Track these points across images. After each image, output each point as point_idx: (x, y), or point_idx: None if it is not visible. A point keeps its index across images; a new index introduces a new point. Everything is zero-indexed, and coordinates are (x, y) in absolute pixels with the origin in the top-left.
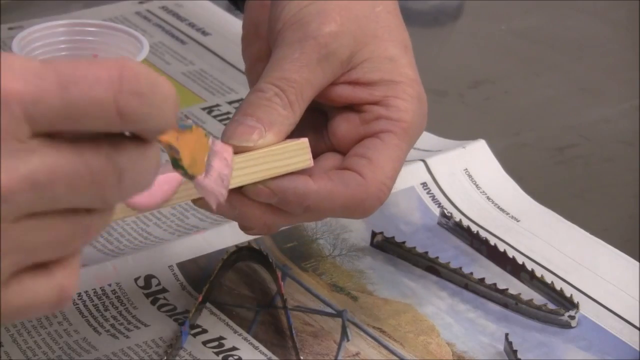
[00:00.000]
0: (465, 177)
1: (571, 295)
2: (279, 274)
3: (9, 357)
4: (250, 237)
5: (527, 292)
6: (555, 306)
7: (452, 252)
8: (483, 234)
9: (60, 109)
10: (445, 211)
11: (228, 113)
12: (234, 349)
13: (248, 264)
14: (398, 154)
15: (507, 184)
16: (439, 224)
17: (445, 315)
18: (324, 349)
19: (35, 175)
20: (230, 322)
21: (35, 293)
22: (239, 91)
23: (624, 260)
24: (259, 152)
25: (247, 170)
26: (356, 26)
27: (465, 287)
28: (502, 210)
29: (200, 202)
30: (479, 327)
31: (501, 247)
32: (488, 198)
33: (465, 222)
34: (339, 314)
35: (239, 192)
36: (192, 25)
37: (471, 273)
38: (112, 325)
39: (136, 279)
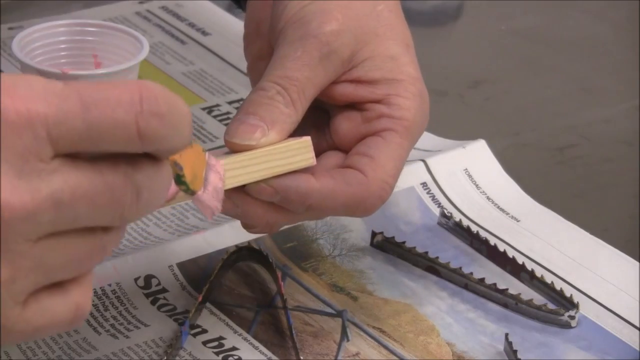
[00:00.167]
0: (465, 177)
1: (571, 295)
2: (279, 274)
3: (9, 357)
4: (250, 237)
5: (527, 292)
6: (555, 306)
7: (452, 252)
8: (483, 234)
9: (83, 131)
10: (445, 211)
11: (228, 113)
12: (234, 349)
13: (248, 264)
14: (400, 152)
15: (507, 184)
16: (439, 224)
17: (445, 315)
18: (324, 349)
19: (58, 195)
20: (230, 322)
21: (53, 312)
22: (239, 91)
23: (624, 260)
24: (262, 150)
25: (249, 168)
26: (357, 25)
27: (465, 287)
28: (502, 210)
29: None
30: (479, 327)
31: (501, 247)
32: (488, 198)
33: (465, 222)
34: (339, 314)
35: (241, 190)
36: (192, 25)
37: (471, 273)
38: (112, 325)
39: (136, 279)
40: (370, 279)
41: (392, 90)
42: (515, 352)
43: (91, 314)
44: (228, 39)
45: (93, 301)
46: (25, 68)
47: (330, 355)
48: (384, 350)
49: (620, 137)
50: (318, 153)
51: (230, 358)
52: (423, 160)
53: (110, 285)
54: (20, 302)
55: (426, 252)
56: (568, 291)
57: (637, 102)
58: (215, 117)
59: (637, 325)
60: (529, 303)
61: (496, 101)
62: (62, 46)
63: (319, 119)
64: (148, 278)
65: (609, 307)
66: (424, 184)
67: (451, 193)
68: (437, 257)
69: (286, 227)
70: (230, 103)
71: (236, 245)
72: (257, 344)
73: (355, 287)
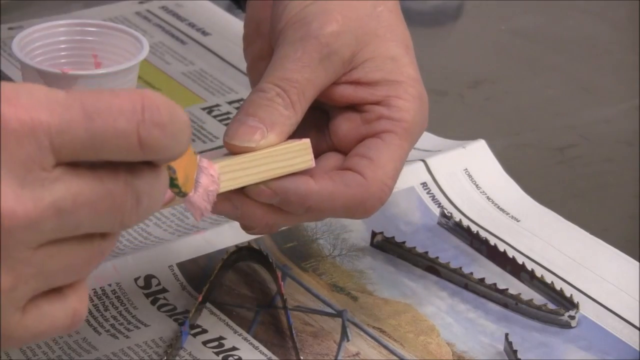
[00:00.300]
0: (465, 177)
1: (571, 295)
2: (279, 274)
3: (8, 357)
4: (250, 237)
5: (527, 292)
6: (555, 306)
7: (452, 252)
8: (483, 234)
9: (85, 140)
10: (445, 211)
11: (228, 113)
12: (234, 349)
13: (248, 264)
14: (399, 154)
15: (507, 184)
16: (439, 224)
17: (445, 315)
18: (324, 349)
19: (60, 203)
20: (230, 322)
21: (52, 318)
22: (239, 91)
23: (624, 260)
24: (261, 152)
25: (249, 170)
26: (358, 26)
27: (465, 287)
28: (502, 210)
29: None
30: (479, 327)
31: (501, 247)
32: (488, 198)
33: (465, 222)
34: (339, 314)
35: (241, 192)
36: (192, 25)
37: (471, 273)
38: (112, 325)
39: (136, 279)
40: (370, 279)
41: (392, 92)
42: (515, 352)
43: (91, 314)
44: (228, 39)
45: (93, 301)
46: (25, 68)
47: (330, 355)
48: (384, 350)
49: (620, 137)
50: (317, 154)
51: (230, 358)
52: (423, 160)
53: (110, 285)
54: (20, 309)
55: (426, 252)
56: (568, 291)
57: (637, 102)
58: (215, 117)
59: (637, 325)
60: (529, 303)
61: (496, 101)
62: (62, 46)
63: (318, 120)
64: (148, 278)
65: (609, 307)
66: (424, 184)
67: (451, 193)
68: (437, 257)
69: (286, 227)
70: (230, 103)
71: (236, 245)
72: (257, 344)
73: (355, 287)
